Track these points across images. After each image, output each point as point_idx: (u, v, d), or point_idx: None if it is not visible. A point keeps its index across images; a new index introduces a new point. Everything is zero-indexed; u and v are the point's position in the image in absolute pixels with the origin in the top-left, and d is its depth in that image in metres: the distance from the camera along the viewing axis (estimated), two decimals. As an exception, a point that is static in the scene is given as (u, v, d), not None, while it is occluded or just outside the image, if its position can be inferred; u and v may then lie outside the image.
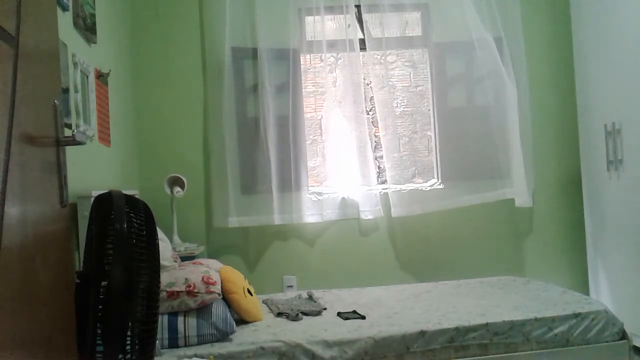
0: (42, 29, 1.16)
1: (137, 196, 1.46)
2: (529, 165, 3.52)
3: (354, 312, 2.51)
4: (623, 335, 2.33)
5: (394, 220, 3.50)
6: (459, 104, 3.55)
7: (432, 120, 3.62)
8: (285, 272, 3.49)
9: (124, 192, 1.30)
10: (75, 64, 2.21)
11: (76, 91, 2.21)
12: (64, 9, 2.13)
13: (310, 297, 2.87)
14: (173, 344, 2.13)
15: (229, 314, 2.24)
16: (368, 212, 3.46)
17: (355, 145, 3.48)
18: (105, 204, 1.25)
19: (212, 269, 2.39)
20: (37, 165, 1.04)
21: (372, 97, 3.58)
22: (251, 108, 3.50)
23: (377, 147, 3.58)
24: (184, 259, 2.80)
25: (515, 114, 3.54)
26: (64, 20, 2.13)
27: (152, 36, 3.46)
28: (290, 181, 3.42)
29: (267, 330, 2.30)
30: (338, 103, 3.54)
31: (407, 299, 2.77)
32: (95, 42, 2.50)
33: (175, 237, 3.15)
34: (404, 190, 3.49)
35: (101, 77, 2.59)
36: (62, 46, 2.04)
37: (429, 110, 3.66)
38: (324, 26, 3.49)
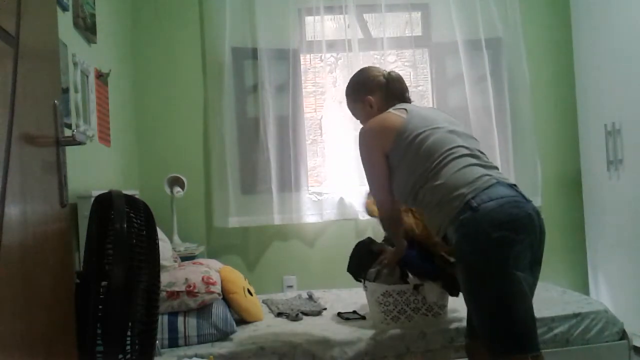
0: (42, 29, 1.16)
1: (137, 196, 1.46)
2: (530, 164, 3.52)
3: (354, 312, 2.52)
4: (623, 335, 2.33)
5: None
6: (459, 104, 3.55)
7: (432, 120, 3.62)
8: (285, 272, 3.48)
9: (124, 192, 1.30)
10: (75, 64, 2.21)
11: (76, 91, 2.21)
12: (64, 9, 2.13)
13: (310, 297, 2.87)
14: (173, 344, 2.13)
15: (229, 314, 2.24)
16: (365, 213, 3.45)
17: (355, 146, 3.46)
18: (105, 204, 1.25)
19: (212, 269, 2.39)
20: (37, 165, 1.04)
21: (372, 97, 3.57)
22: (251, 108, 3.50)
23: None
24: (184, 259, 2.80)
25: (514, 114, 3.55)
26: (64, 20, 2.13)
27: (152, 36, 3.46)
28: (290, 181, 3.42)
29: (267, 330, 2.30)
30: (338, 103, 3.54)
31: (407, 299, 2.77)
32: (95, 42, 2.50)
33: (175, 237, 3.15)
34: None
35: (101, 77, 2.59)
36: (62, 46, 2.04)
37: (429, 110, 3.65)
38: (324, 26, 3.49)
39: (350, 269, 2.40)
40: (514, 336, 1.56)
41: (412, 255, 2.20)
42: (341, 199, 3.48)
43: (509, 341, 1.56)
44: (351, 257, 2.41)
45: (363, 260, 2.34)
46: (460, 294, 1.95)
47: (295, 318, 2.46)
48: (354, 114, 2.11)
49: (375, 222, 2.24)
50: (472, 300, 1.68)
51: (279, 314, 2.55)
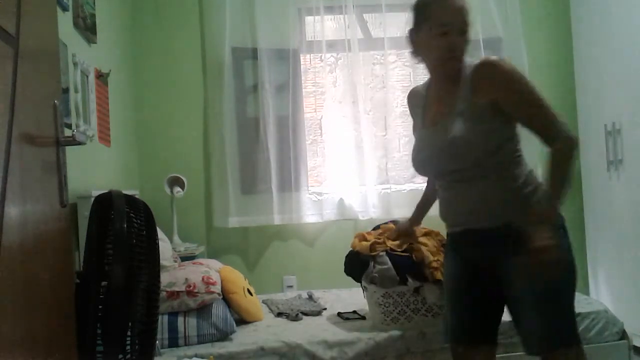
0: (42, 29, 1.16)
1: (137, 196, 1.46)
2: (530, 165, 3.51)
3: (354, 312, 2.52)
4: (623, 335, 2.33)
5: (393, 220, 3.50)
6: (459, 104, 3.55)
7: (432, 120, 3.61)
8: (285, 272, 3.48)
9: (124, 192, 1.30)
10: (75, 64, 2.21)
11: (76, 91, 2.21)
12: (64, 9, 2.13)
13: (310, 297, 2.87)
14: (173, 343, 2.13)
15: (229, 314, 2.24)
16: (365, 213, 3.45)
17: (355, 146, 3.47)
18: (105, 204, 1.25)
19: (212, 269, 2.39)
20: (37, 165, 1.04)
21: (372, 97, 3.58)
22: (251, 108, 3.50)
23: (377, 147, 3.57)
24: (184, 259, 2.80)
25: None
26: (64, 20, 2.13)
27: (152, 36, 3.46)
28: (290, 181, 3.42)
29: (267, 330, 2.30)
30: (338, 103, 3.54)
31: (407, 299, 2.76)
32: (95, 42, 2.50)
33: (175, 237, 3.14)
34: (404, 190, 3.48)
35: (101, 77, 2.59)
36: (62, 46, 2.04)
37: (429, 110, 3.65)
38: (324, 26, 3.49)
39: (347, 271, 2.45)
40: (576, 328, 1.62)
41: (408, 260, 2.22)
42: (341, 199, 3.48)
43: (575, 333, 1.59)
44: (346, 263, 2.45)
45: (353, 260, 2.37)
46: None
47: (295, 318, 2.46)
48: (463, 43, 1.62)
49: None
50: (551, 295, 1.56)
51: (279, 314, 2.55)
